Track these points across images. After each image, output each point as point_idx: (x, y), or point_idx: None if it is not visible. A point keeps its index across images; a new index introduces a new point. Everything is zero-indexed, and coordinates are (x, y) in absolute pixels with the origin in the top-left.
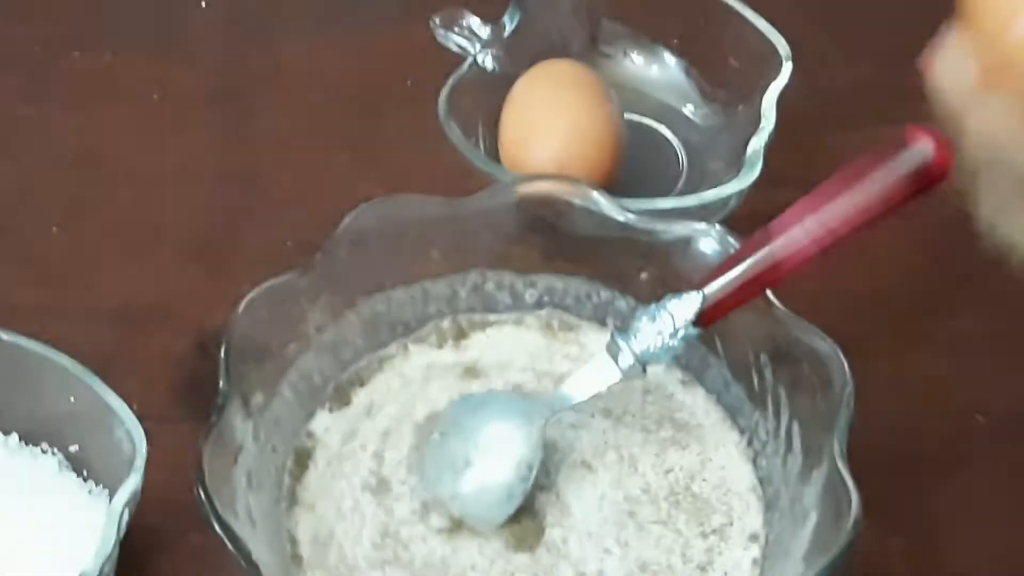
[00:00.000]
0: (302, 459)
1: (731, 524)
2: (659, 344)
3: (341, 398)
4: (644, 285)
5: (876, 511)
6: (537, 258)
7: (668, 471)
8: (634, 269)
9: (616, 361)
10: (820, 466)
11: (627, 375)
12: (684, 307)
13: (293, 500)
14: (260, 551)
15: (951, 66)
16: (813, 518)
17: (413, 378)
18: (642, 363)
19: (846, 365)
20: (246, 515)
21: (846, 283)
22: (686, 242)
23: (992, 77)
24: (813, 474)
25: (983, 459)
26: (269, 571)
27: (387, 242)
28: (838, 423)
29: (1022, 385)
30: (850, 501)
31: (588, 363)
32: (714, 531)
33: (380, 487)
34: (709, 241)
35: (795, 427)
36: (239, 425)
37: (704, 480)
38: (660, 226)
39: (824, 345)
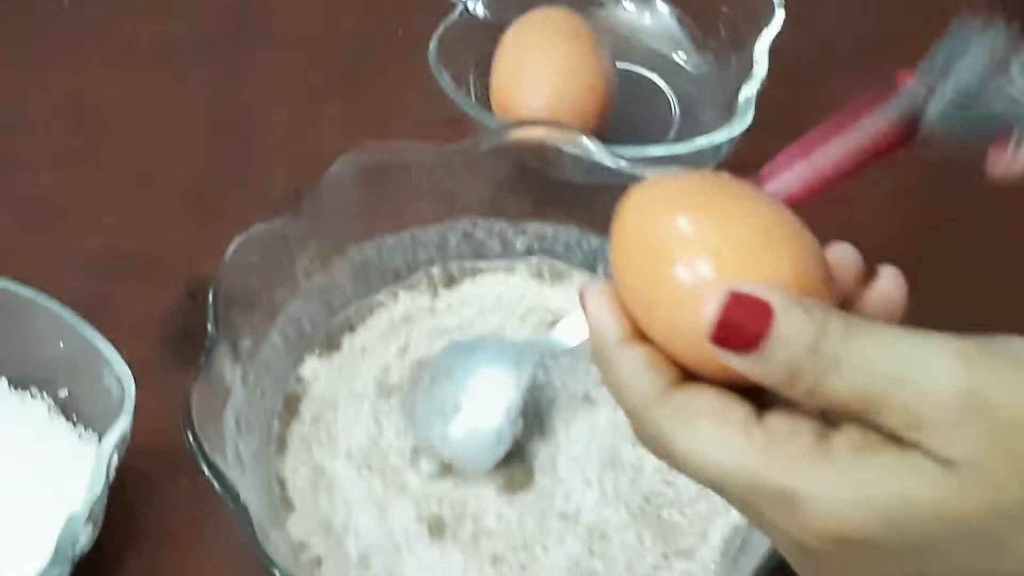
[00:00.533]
0: (292, 404)
1: None
2: None
3: (331, 344)
4: None
5: None
6: (527, 205)
7: None
8: None
9: None
10: None
11: None
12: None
13: (282, 445)
14: (249, 494)
15: None
16: None
17: (403, 324)
18: None
19: None
20: (235, 458)
21: (835, 232)
22: None
23: None
24: None
25: None
26: (258, 513)
27: (376, 189)
28: None
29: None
30: None
31: (577, 311)
32: None
33: (370, 432)
34: None
35: None
36: (228, 369)
37: None
38: (651, 173)
39: None
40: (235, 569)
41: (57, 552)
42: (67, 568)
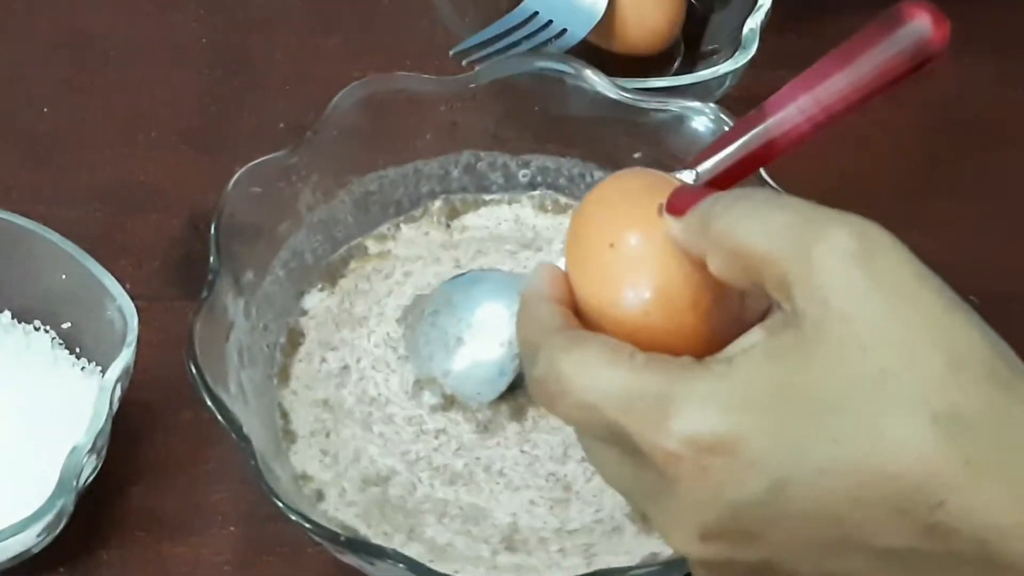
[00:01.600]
0: (294, 337)
1: None
2: None
3: (333, 276)
4: (638, 165)
5: None
6: (530, 138)
7: None
8: (628, 149)
9: None
10: None
11: None
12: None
13: (285, 376)
14: (252, 426)
15: None
16: None
17: (405, 256)
18: None
19: None
20: (238, 390)
21: (839, 164)
22: (680, 121)
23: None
24: None
25: None
26: (260, 445)
27: (377, 122)
28: None
29: (1015, 266)
30: None
31: None
32: None
33: (372, 364)
34: (703, 119)
35: None
36: (230, 302)
37: None
38: (654, 104)
39: None
40: (238, 500)
41: (61, 483)
42: (71, 499)
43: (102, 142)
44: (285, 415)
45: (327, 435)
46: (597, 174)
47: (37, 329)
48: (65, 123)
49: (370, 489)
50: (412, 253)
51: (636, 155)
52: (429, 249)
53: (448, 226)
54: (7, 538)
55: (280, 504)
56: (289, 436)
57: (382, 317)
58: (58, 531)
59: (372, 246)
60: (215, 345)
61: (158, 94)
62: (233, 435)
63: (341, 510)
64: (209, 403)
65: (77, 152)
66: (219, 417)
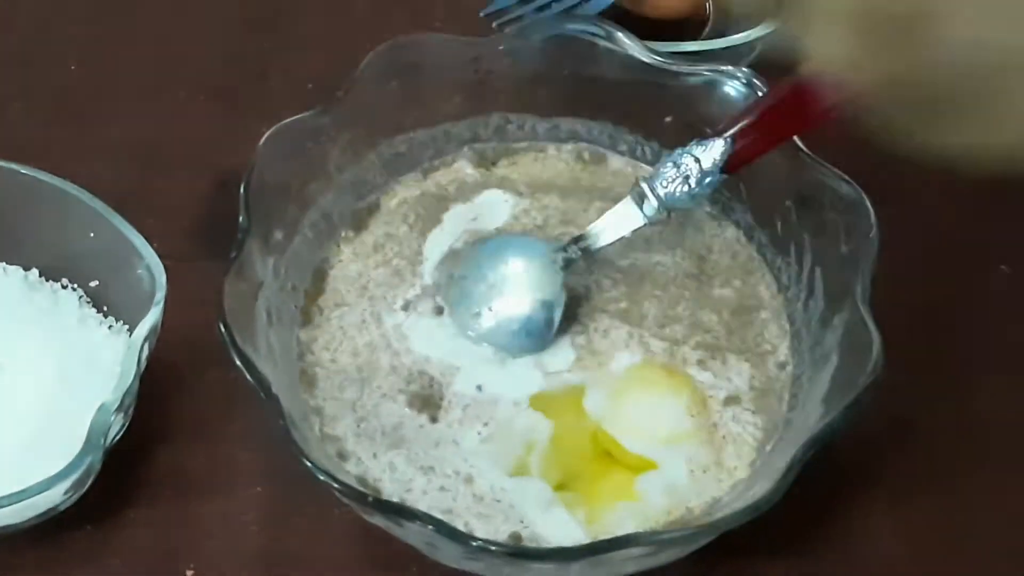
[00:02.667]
0: (318, 279)
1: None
2: (684, 190)
3: (358, 225)
4: (669, 129)
5: (901, 360)
6: (560, 102)
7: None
8: (658, 113)
9: (640, 206)
10: (842, 311)
11: (651, 220)
12: (710, 153)
13: (308, 318)
14: (280, 385)
15: None
16: (833, 362)
17: (435, 196)
18: (667, 208)
19: (871, 209)
20: (267, 350)
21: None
22: (712, 85)
23: None
24: (835, 319)
25: (1006, 308)
26: (289, 404)
27: (408, 82)
28: (862, 267)
29: None
30: (871, 344)
31: (613, 208)
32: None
33: (397, 316)
34: (735, 84)
35: (818, 273)
36: (259, 261)
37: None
38: (685, 68)
39: (850, 190)
40: (265, 460)
41: (88, 440)
42: (98, 456)
43: (131, 100)
44: (303, 353)
45: (350, 391)
46: (628, 138)
47: (65, 287)
48: (94, 81)
49: (397, 446)
50: (441, 191)
51: (667, 119)
52: (461, 188)
53: (484, 169)
54: (34, 495)
55: (308, 464)
56: (310, 383)
57: (411, 264)
58: (85, 489)
59: (398, 191)
60: (244, 304)
61: (188, 53)
62: (261, 394)
63: (368, 468)
64: (238, 362)
65: (106, 110)
66: (248, 376)
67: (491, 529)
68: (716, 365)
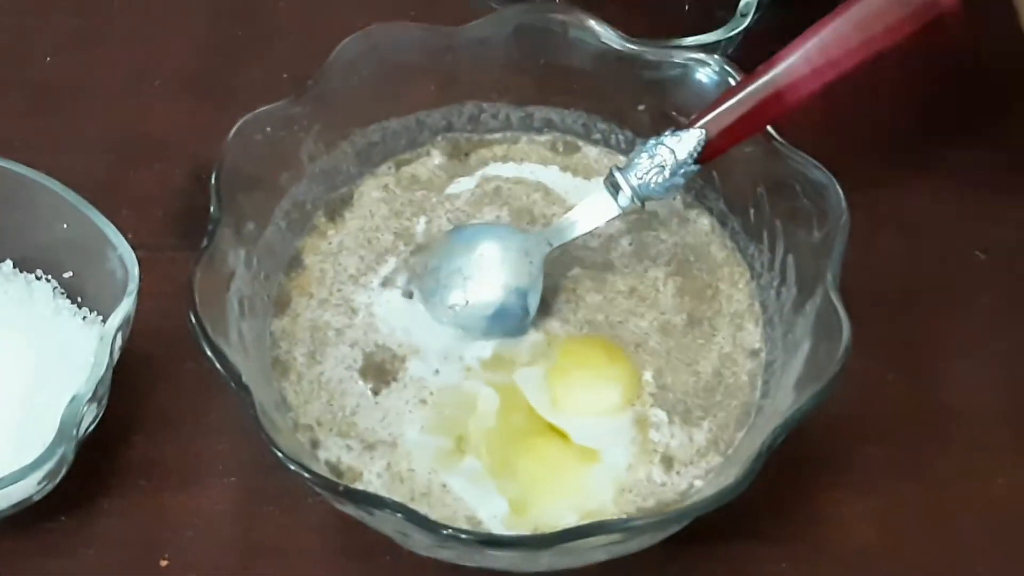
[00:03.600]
0: (291, 269)
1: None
2: (659, 180)
3: (331, 214)
4: (642, 118)
5: (873, 347)
6: (534, 90)
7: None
8: (632, 101)
9: (615, 197)
10: (813, 297)
11: (625, 210)
12: (684, 143)
13: (281, 308)
14: (252, 376)
15: None
16: (805, 348)
17: (408, 186)
18: (640, 199)
19: (842, 195)
20: (239, 341)
21: (851, 124)
22: (685, 72)
23: None
24: (806, 306)
25: (981, 295)
26: (261, 395)
27: (381, 71)
28: (832, 253)
29: (1019, 221)
30: (841, 330)
31: (586, 199)
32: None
33: (378, 294)
34: (707, 71)
35: (790, 260)
36: (231, 251)
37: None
38: (658, 55)
39: (821, 175)
40: (239, 450)
41: (61, 431)
42: (71, 447)
43: (105, 92)
44: (275, 343)
45: (324, 384)
46: (601, 126)
47: (39, 278)
48: (68, 73)
49: (375, 447)
50: (414, 183)
51: (640, 107)
52: (432, 180)
53: (458, 161)
54: (8, 485)
55: (279, 454)
56: (282, 370)
57: (382, 254)
58: (59, 479)
59: (372, 182)
60: (216, 295)
61: (162, 44)
62: (232, 384)
63: (340, 456)
64: (208, 352)
65: (80, 102)
66: (218, 366)
67: (448, 514)
68: None
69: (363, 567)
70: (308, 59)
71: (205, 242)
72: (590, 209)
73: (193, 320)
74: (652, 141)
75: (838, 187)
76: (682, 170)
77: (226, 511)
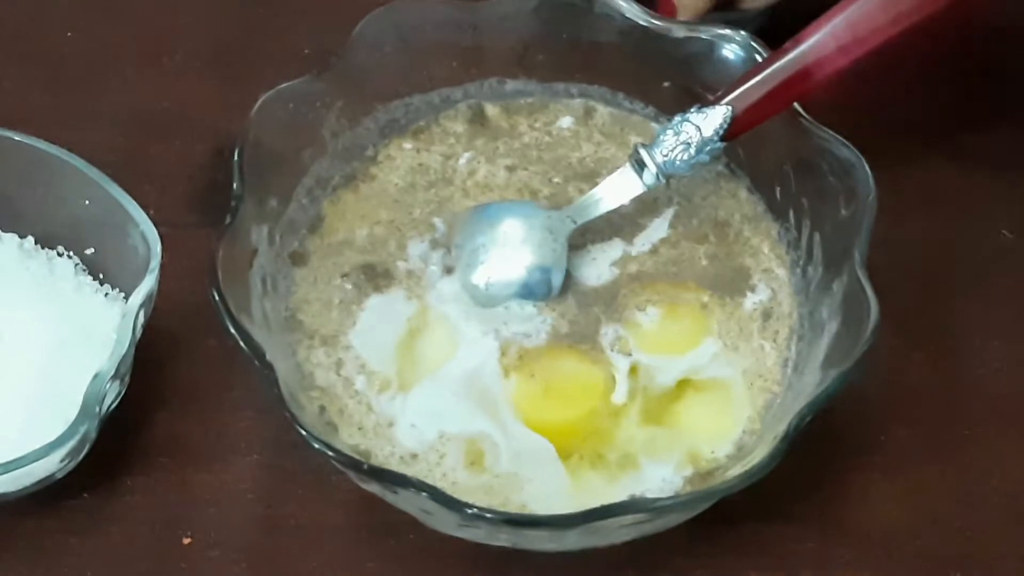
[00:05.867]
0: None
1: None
2: (684, 157)
3: (355, 190)
4: (667, 95)
5: (900, 325)
6: (557, 66)
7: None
8: (656, 78)
9: (640, 174)
10: (840, 277)
11: (650, 188)
12: (710, 120)
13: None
14: (276, 354)
15: None
16: (832, 328)
17: (431, 160)
18: (665, 176)
19: (870, 173)
20: (262, 318)
21: (878, 103)
22: (710, 49)
23: None
24: (833, 285)
25: (1008, 275)
26: (285, 373)
27: (403, 47)
28: (860, 232)
29: None
30: (868, 309)
31: (610, 176)
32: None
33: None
34: (734, 48)
35: (816, 238)
36: (254, 228)
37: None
38: (683, 32)
39: (848, 153)
40: (262, 428)
41: (84, 408)
42: (94, 424)
43: (127, 67)
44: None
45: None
46: (626, 104)
47: (60, 255)
48: (89, 47)
49: (392, 423)
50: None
51: (665, 84)
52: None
53: (481, 126)
54: (30, 463)
55: (303, 433)
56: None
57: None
58: (81, 457)
59: (395, 151)
60: (238, 272)
61: (183, 19)
62: (256, 362)
63: (362, 437)
64: (232, 330)
65: (101, 77)
66: (241, 344)
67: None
68: None
69: (386, 545)
70: (330, 34)
71: (228, 219)
72: (615, 186)
73: (216, 297)
74: (678, 118)
75: (865, 165)
76: (708, 147)
77: (249, 488)
